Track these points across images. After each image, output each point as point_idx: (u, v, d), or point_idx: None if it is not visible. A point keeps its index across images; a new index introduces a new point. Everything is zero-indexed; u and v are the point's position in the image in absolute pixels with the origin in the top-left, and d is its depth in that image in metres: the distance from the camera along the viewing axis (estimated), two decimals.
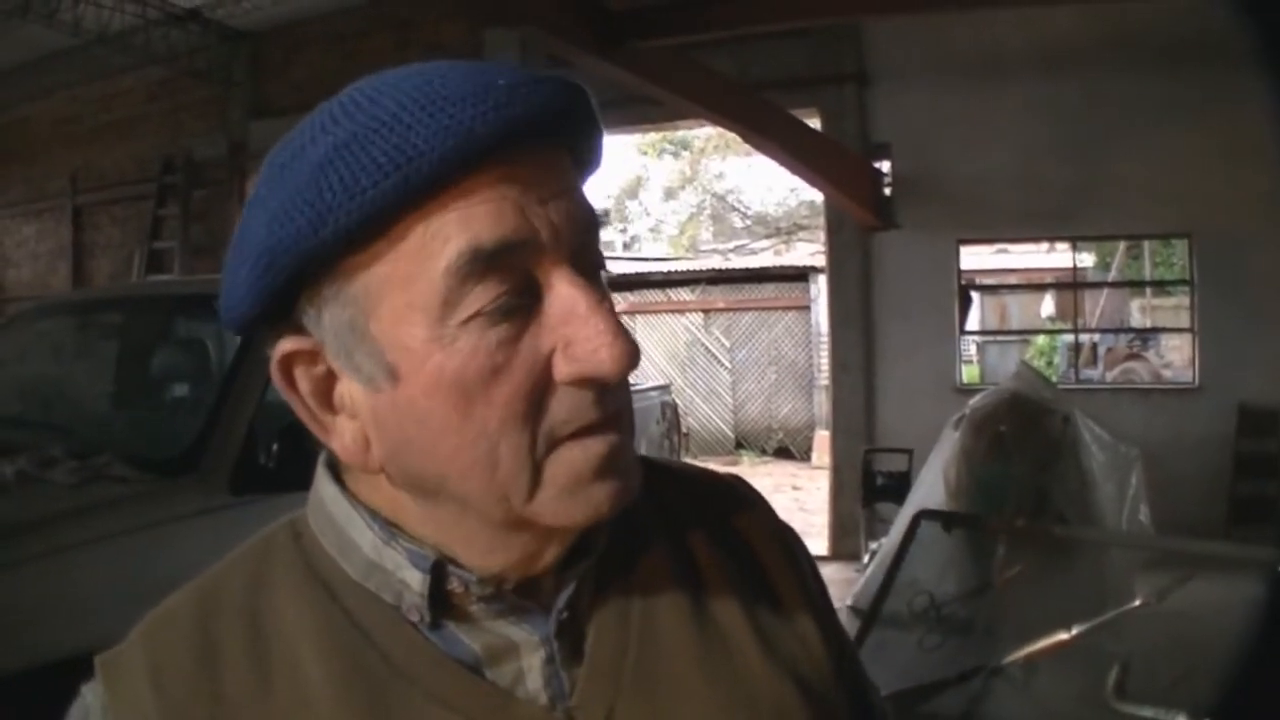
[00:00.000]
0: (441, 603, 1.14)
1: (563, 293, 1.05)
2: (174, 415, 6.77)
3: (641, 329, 26.56)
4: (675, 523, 1.36)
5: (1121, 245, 21.84)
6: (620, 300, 26.70)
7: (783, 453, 25.12)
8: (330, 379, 1.14)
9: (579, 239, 1.09)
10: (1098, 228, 14.33)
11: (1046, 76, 12.87)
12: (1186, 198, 12.32)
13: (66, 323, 8.12)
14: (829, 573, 11.49)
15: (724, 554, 1.36)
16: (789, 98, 13.04)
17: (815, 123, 13.75)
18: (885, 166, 13.53)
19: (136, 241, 18.20)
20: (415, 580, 1.13)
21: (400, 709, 1.11)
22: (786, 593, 1.38)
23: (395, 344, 1.06)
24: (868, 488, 12.15)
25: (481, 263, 1.02)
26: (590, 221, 1.11)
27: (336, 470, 1.23)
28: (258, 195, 1.11)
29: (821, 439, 20.36)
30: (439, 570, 1.13)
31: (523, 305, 1.05)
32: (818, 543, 14.35)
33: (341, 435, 1.14)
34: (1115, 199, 12.90)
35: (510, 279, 1.04)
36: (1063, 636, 4.14)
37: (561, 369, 1.05)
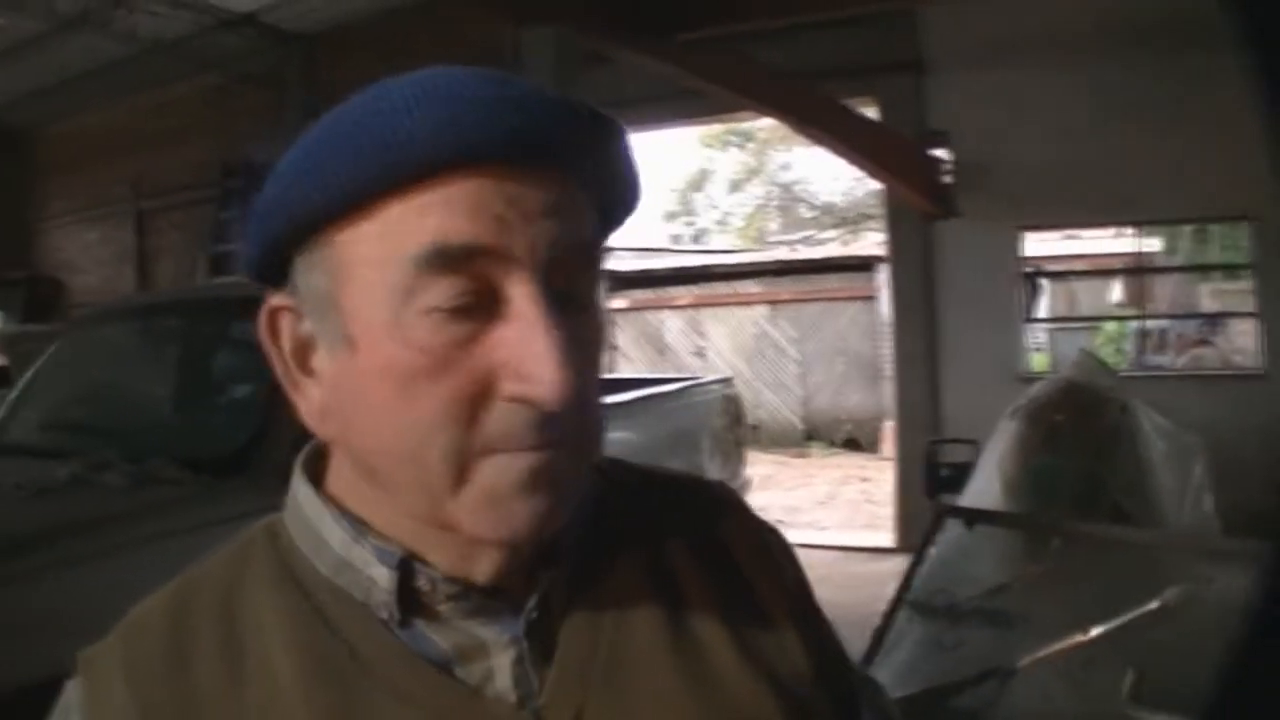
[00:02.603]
0: (411, 601, 1.16)
1: (521, 310, 1.06)
2: (228, 417, 6.81)
3: (708, 322, 26.67)
4: (652, 526, 1.37)
5: (1189, 229, 21.68)
6: (686, 293, 26.74)
7: (851, 444, 25.12)
8: (311, 343, 1.18)
9: (556, 264, 1.09)
10: (1163, 211, 14.14)
11: (1108, 58, 12.71)
12: (1250, 179, 12.16)
13: (126, 327, 8.16)
14: (894, 565, 11.44)
15: (701, 558, 1.37)
16: (845, 87, 12.99)
17: (872, 112, 13.68)
18: (945, 154, 13.47)
19: (199, 245, 18.34)
20: (383, 577, 1.16)
21: (367, 705, 1.13)
22: (765, 596, 1.37)
23: (358, 318, 1.10)
24: (931, 480, 12.06)
25: (446, 260, 1.05)
26: (578, 251, 1.12)
27: (312, 471, 1.28)
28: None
29: (889, 430, 20.30)
30: (406, 568, 1.15)
31: (483, 312, 1.07)
32: (884, 535, 14.34)
33: (309, 398, 1.20)
34: (1181, 181, 12.72)
35: (473, 283, 1.06)
36: (1080, 638, 4.09)
37: (503, 385, 1.06)
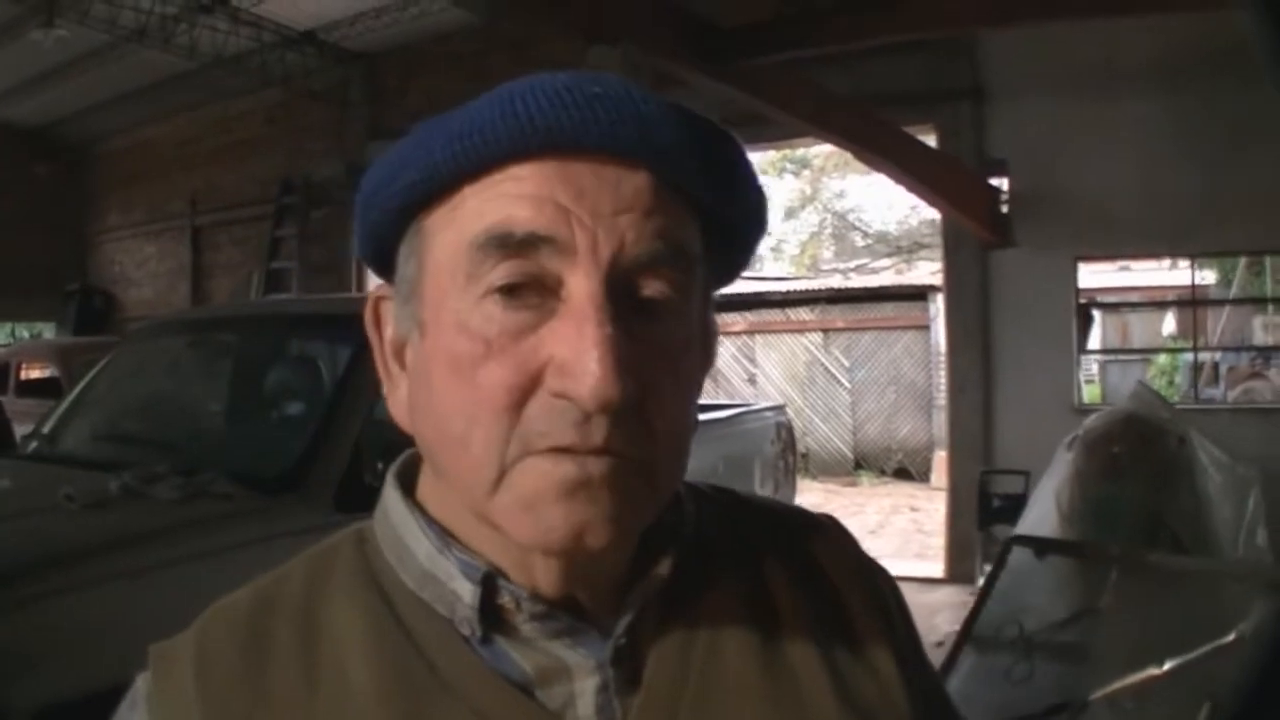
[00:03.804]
0: (493, 617, 1.13)
1: (577, 305, 1.03)
2: (281, 433, 6.81)
3: (761, 349, 26.65)
4: (752, 555, 1.33)
5: (1242, 261, 21.59)
6: (740, 320, 26.73)
7: (901, 473, 25.02)
8: (406, 335, 1.18)
9: (633, 266, 1.06)
10: (1218, 243, 14.10)
11: (1166, 88, 12.67)
12: None
13: (181, 341, 8.20)
14: (944, 596, 11.37)
15: (803, 592, 1.32)
16: (904, 114, 12.96)
17: (931, 139, 13.67)
18: (1003, 183, 13.45)
19: (255, 261, 18.53)
20: (466, 592, 1.13)
21: None
22: (868, 634, 1.32)
23: (431, 303, 1.11)
24: (983, 509, 12.05)
25: (505, 246, 1.04)
26: (660, 257, 1.07)
27: (405, 480, 1.26)
28: None
29: (940, 460, 20.22)
30: (489, 582, 1.12)
31: (542, 305, 1.05)
32: (934, 565, 14.29)
33: (398, 390, 1.20)
34: (1236, 213, 12.64)
35: (533, 271, 1.04)
36: (1154, 671, 4.04)
37: (549, 379, 1.03)
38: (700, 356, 1.19)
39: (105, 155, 22.15)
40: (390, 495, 1.24)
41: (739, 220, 1.20)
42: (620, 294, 1.04)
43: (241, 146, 19.21)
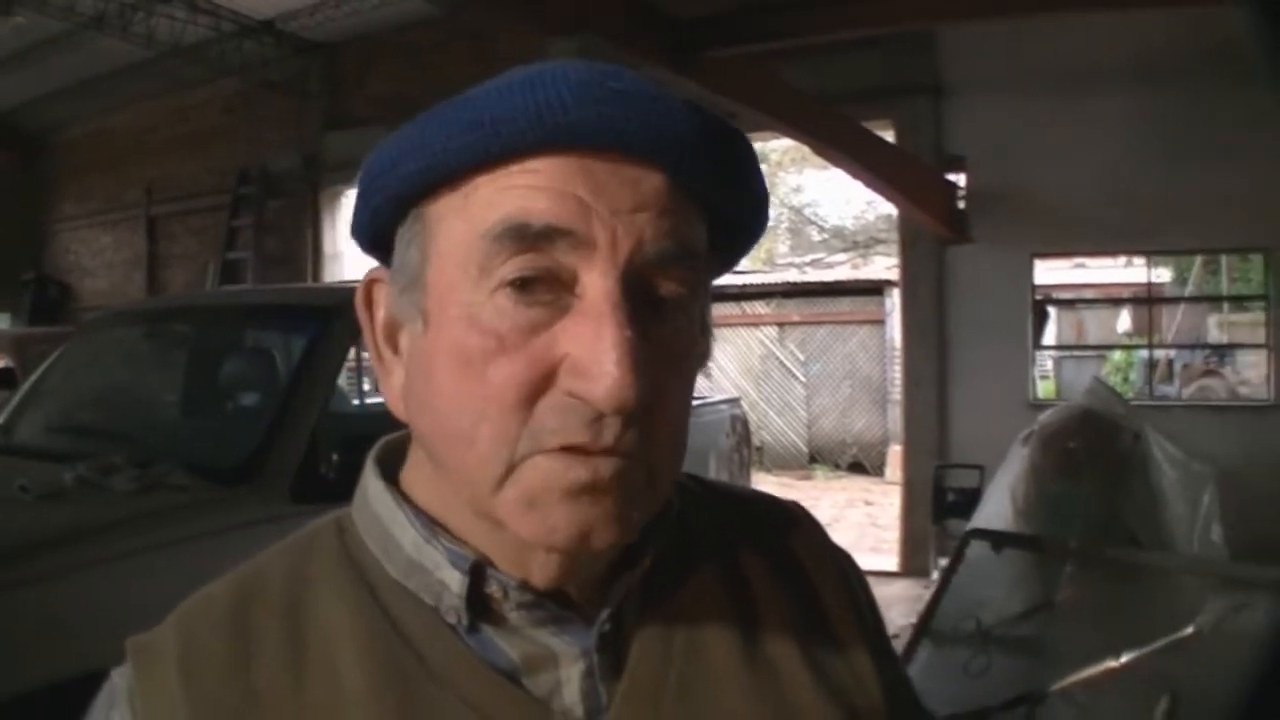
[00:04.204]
0: (480, 607, 1.14)
1: (594, 303, 1.02)
2: (237, 424, 6.81)
3: (716, 342, 26.52)
4: (729, 544, 1.35)
5: (1198, 260, 21.71)
6: None
7: (856, 468, 25.05)
8: (400, 320, 1.17)
9: (647, 265, 1.05)
10: (1175, 242, 14.15)
11: (1125, 87, 12.72)
12: (1265, 212, 12.13)
13: (136, 332, 8.19)
14: (899, 590, 11.41)
15: (778, 579, 1.34)
16: (863, 109, 12.96)
17: (890, 135, 13.69)
18: (960, 179, 13.50)
19: (211, 252, 18.47)
20: (454, 581, 1.13)
21: (434, 713, 1.10)
22: (841, 622, 1.35)
23: (436, 294, 1.09)
24: (938, 504, 12.07)
25: (521, 238, 1.03)
26: (674, 257, 1.07)
27: (386, 467, 1.25)
28: None
29: (895, 454, 20.28)
30: (478, 572, 1.13)
31: (556, 302, 1.04)
32: (889, 559, 14.40)
33: (392, 376, 1.19)
34: (1193, 213, 12.73)
35: (545, 269, 1.03)
36: (1111, 665, 4.06)
37: (562, 377, 1.03)
38: (701, 349, 1.20)
39: (62, 144, 22.03)
40: (373, 484, 1.23)
41: (744, 216, 1.20)
42: (635, 293, 1.04)
43: (199, 136, 19.13)
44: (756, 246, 1.30)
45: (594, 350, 1.00)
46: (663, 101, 1.06)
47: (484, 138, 1.03)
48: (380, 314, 1.20)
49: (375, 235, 1.19)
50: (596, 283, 1.02)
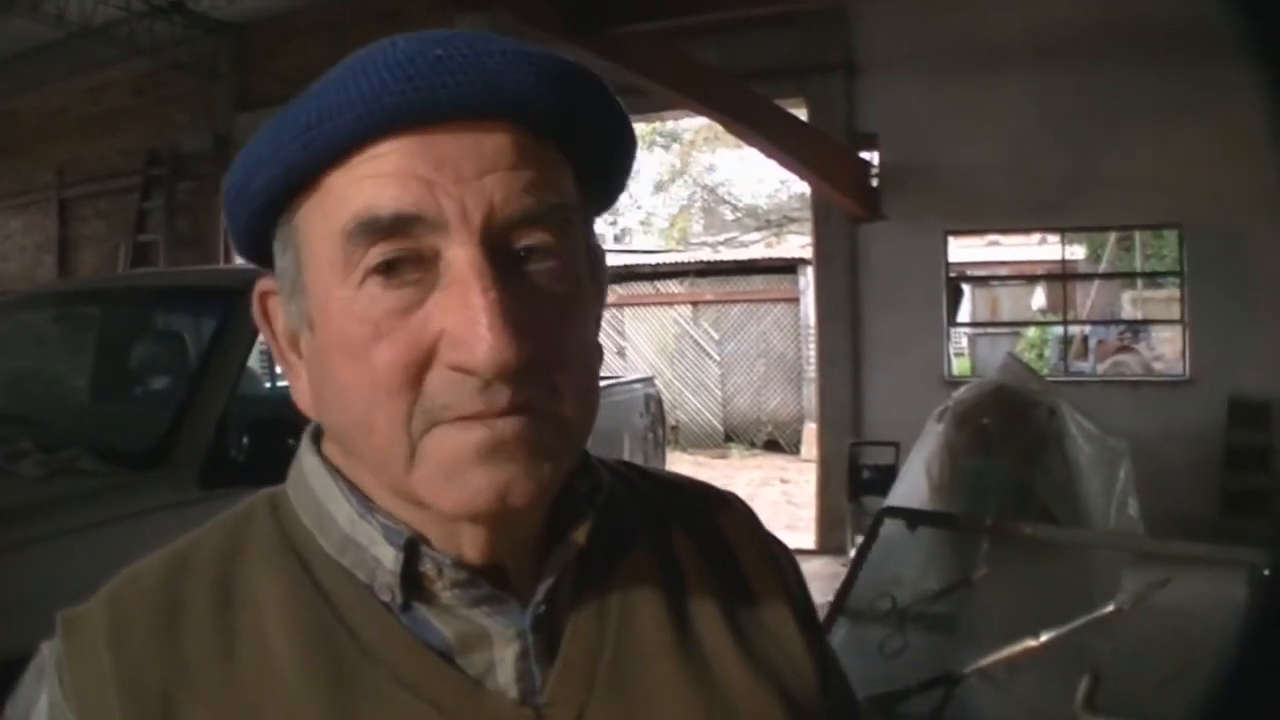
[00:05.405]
0: (414, 584, 1.13)
1: (458, 275, 1.02)
2: (145, 408, 6.76)
3: (630, 322, 26.70)
4: (662, 528, 1.35)
5: (1112, 237, 21.92)
6: (609, 292, 26.86)
7: (772, 446, 25.19)
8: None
9: (506, 223, 1.05)
10: (1089, 219, 14.30)
11: (1038, 66, 12.80)
12: (1178, 189, 12.26)
13: (45, 315, 8.11)
14: (815, 567, 11.41)
15: (710, 563, 1.35)
16: (775, 87, 12.99)
17: (802, 113, 13.71)
18: (873, 157, 13.55)
19: (122, 235, 18.34)
20: (388, 557, 1.12)
21: (366, 689, 1.10)
22: (772, 606, 1.36)
23: (316, 294, 1.10)
24: (854, 481, 12.10)
25: (376, 231, 1.03)
26: (535, 209, 1.06)
27: (321, 442, 1.24)
28: None
29: (810, 432, 20.37)
30: (412, 548, 1.11)
31: (425, 280, 1.04)
32: (805, 536, 14.39)
33: (299, 380, 1.19)
34: (1106, 190, 12.85)
35: (407, 250, 1.03)
36: (1031, 643, 4.06)
37: (443, 351, 1.02)
38: (591, 291, 1.20)
39: None
40: (309, 460, 1.22)
41: (608, 154, 1.20)
42: (500, 254, 1.04)
43: (109, 118, 18.98)
44: (630, 182, 1.28)
45: (465, 319, 1.00)
46: (499, 56, 1.05)
47: (320, 136, 1.04)
48: (279, 324, 1.20)
49: (256, 246, 1.19)
50: (458, 255, 1.02)
